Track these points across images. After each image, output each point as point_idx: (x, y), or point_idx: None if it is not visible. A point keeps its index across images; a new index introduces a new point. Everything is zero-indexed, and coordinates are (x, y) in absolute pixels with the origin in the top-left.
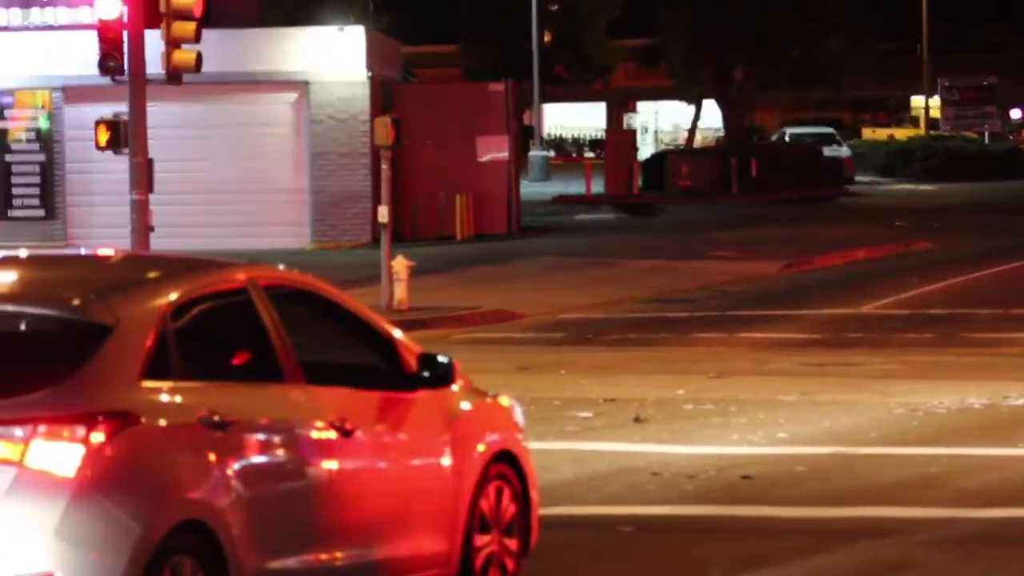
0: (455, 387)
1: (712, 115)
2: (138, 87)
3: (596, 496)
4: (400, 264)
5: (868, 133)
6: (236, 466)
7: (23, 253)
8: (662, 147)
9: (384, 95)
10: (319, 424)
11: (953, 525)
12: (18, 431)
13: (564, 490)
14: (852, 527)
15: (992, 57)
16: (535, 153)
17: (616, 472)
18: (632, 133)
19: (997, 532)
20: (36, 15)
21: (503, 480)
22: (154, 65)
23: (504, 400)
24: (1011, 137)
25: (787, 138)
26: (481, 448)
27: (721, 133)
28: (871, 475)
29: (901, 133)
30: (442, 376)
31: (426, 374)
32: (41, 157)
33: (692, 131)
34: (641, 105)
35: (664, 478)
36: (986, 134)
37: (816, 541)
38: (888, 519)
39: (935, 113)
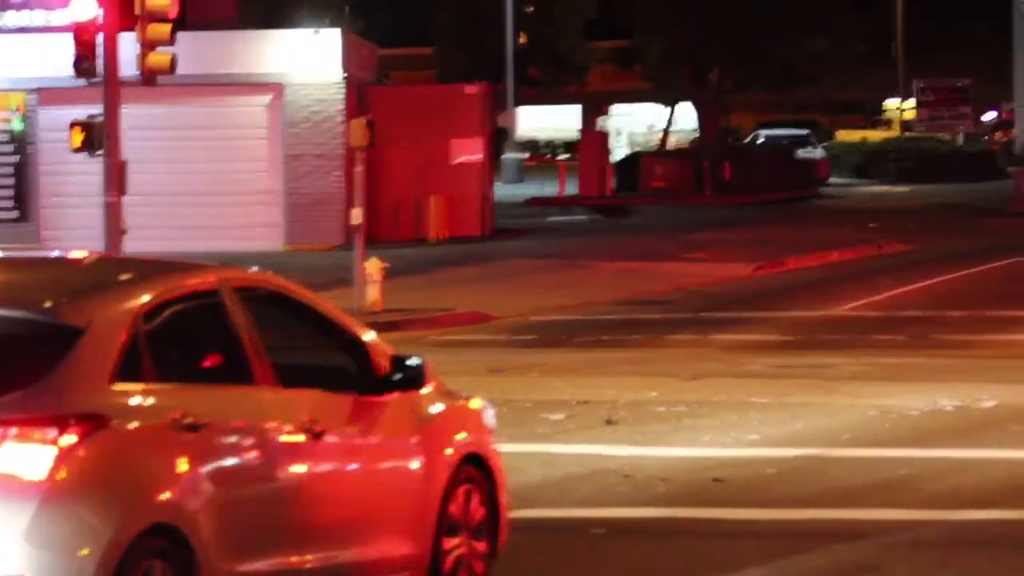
0: (427, 390)
1: (687, 117)
2: (112, 89)
3: (567, 498)
4: (374, 266)
5: (842, 135)
6: (207, 469)
7: None
8: (636, 149)
9: (359, 97)
10: (290, 427)
11: (925, 527)
12: None
13: (535, 492)
14: (823, 529)
15: (968, 58)
16: (509, 155)
17: (588, 474)
18: (606, 135)
19: (970, 534)
20: (11, 17)
21: (472, 483)
22: (129, 67)
23: (475, 403)
24: (985, 139)
25: (761, 140)
26: (451, 451)
27: (696, 135)
28: (843, 477)
29: (875, 135)
30: (413, 379)
31: (397, 376)
32: (15, 159)
33: (666, 133)
34: (616, 107)
35: (636, 480)
36: (960, 136)
37: (787, 543)
38: (860, 521)
39: (909, 115)
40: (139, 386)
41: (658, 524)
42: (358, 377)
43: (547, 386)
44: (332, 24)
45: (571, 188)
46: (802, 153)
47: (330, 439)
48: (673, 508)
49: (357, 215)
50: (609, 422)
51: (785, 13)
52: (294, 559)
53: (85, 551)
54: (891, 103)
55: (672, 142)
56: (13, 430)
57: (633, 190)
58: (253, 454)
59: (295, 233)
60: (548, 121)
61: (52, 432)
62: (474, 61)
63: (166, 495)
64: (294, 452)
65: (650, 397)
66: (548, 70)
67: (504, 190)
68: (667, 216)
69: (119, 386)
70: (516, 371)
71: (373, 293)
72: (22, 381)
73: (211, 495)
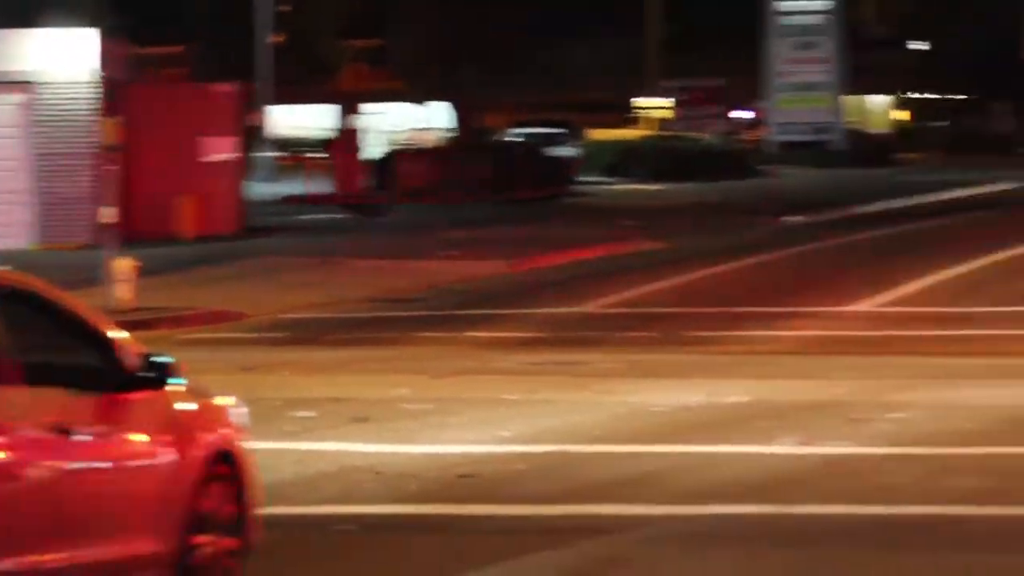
0: (176, 387)
1: (443, 116)
2: None
3: (318, 496)
4: (125, 264)
5: (596, 134)
6: None
7: None
8: (392, 148)
9: (112, 96)
10: (35, 425)
11: (673, 522)
12: None
13: (286, 490)
14: (573, 524)
15: (723, 57)
16: (263, 154)
17: (338, 472)
18: (360, 133)
19: (717, 528)
20: None
21: (222, 480)
22: None
23: (225, 401)
24: (738, 137)
25: (515, 138)
26: (200, 448)
27: (451, 133)
28: (592, 473)
29: (628, 134)
30: (162, 377)
31: (146, 375)
32: None
33: (421, 132)
34: (370, 106)
35: (386, 477)
36: (715, 134)
37: (537, 539)
38: (609, 516)
39: (663, 114)
40: None
41: (409, 520)
42: (107, 375)
43: (297, 384)
44: (85, 22)
45: (326, 187)
46: (556, 151)
47: (77, 437)
48: (424, 504)
49: (108, 213)
50: (359, 420)
51: (538, 15)
52: (40, 557)
53: None
54: (642, 102)
55: (427, 140)
56: None
57: (388, 188)
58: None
59: (47, 232)
60: (303, 120)
61: None
62: (229, 60)
63: None
64: (39, 450)
65: (401, 394)
66: (303, 69)
67: (258, 189)
68: (421, 214)
69: None
70: (266, 369)
71: (124, 292)
72: None
73: None
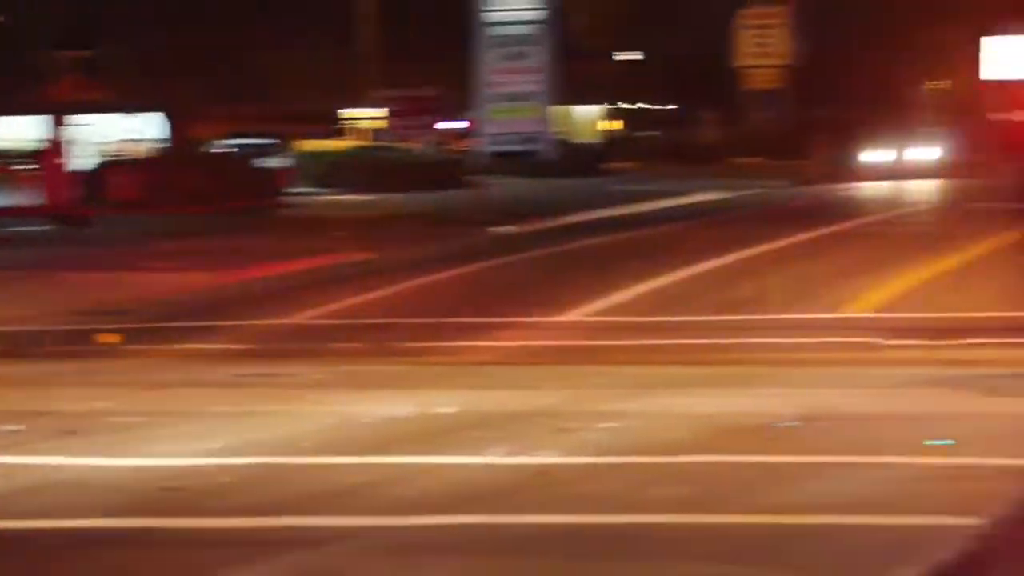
0: None
1: (155, 127)
2: None
3: (20, 509)
4: None
5: (305, 144)
6: None
7: None
8: (102, 159)
9: None
10: None
11: (386, 533)
12: None
13: None
14: (281, 537)
15: (438, 67)
16: None
17: (44, 485)
18: (70, 144)
19: (431, 538)
20: None
21: None
22: None
23: None
24: (450, 148)
25: (225, 150)
26: None
27: (163, 145)
28: (302, 485)
29: (339, 145)
30: None
31: None
32: None
33: (132, 143)
34: (80, 117)
35: (92, 490)
36: (427, 144)
37: (241, 552)
38: (320, 528)
39: (378, 124)
40: None
41: (112, 533)
42: None
43: (5, 397)
44: None
45: (35, 199)
46: (269, 163)
47: None
48: (128, 518)
49: None
50: (67, 432)
51: (247, 26)
52: None
53: None
54: (352, 112)
55: (139, 152)
56: None
57: (99, 200)
58: None
59: None
60: (11, 131)
61: None
62: None
63: None
64: None
65: (107, 407)
66: (12, 78)
67: None
68: (132, 226)
69: None
70: None
71: None
72: None
73: None
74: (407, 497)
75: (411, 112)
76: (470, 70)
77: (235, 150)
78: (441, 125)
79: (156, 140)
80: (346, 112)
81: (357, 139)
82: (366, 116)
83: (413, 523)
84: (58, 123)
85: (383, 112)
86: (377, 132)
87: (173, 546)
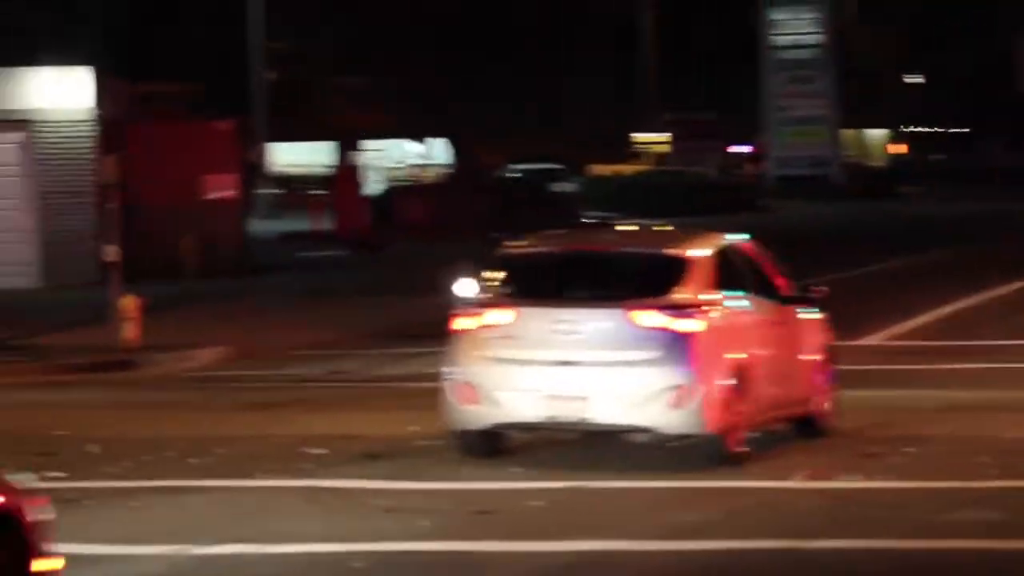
0: None
1: (441, 152)
2: None
3: (331, 533)
4: (130, 302)
5: (596, 169)
6: None
7: None
8: (391, 184)
9: (111, 134)
10: None
11: (687, 556)
12: None
13: (298, 528)
14: (584, 560)
15: (719, 92)
16: (263, 191)
17: (351, 508)
18: (360, 170)
19: (730, 564)
20: None
21: None
22: None
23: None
24: (737, 171)
25: (514, 175)
26: None
27: (449, 170)
28: (608, 508)
29: (627, 168)
30: None
31: None
32: None
33: (421, 168)
34: (371, 143)
35: (399, 514)
36: (713, 168)
37: (550, 574)
38: (617, 552)
39: (661, 148)
40: None
41: (422, 557)
42: None
43: (309, 421)
44: (84, 60)
45: (325, 223)
46: (555, 188)
47: None
48: (439, 541)
49: (111, 252)
50: (369, 457)
51: (536, 52)
52: None
53: None
54: (641, 136)
55: (426, 177)
56: None
57: (390, 225)
58: None
59: (49, 271)
60: (302, 156)
61: None
62: (229, 97)
63: None
64: None
65: (410, 432)
66: (301, 106)
67: (258, 226)
68: (421, 250)
69: None
70: (277, 406)
71: (130, 330)
72: None
73: None
74: (692, 522)
75: (694, 135)
76: (753, 94)
77: (519, 175)
78: (727, 149)
79: (442, 165)
80: (637, 136)
81: (644, 163)
82: (654, 140)
83: (704, 548)
84: (347, 149)
85: (667, 136)
86: (663, 156)
87: (481, 569)
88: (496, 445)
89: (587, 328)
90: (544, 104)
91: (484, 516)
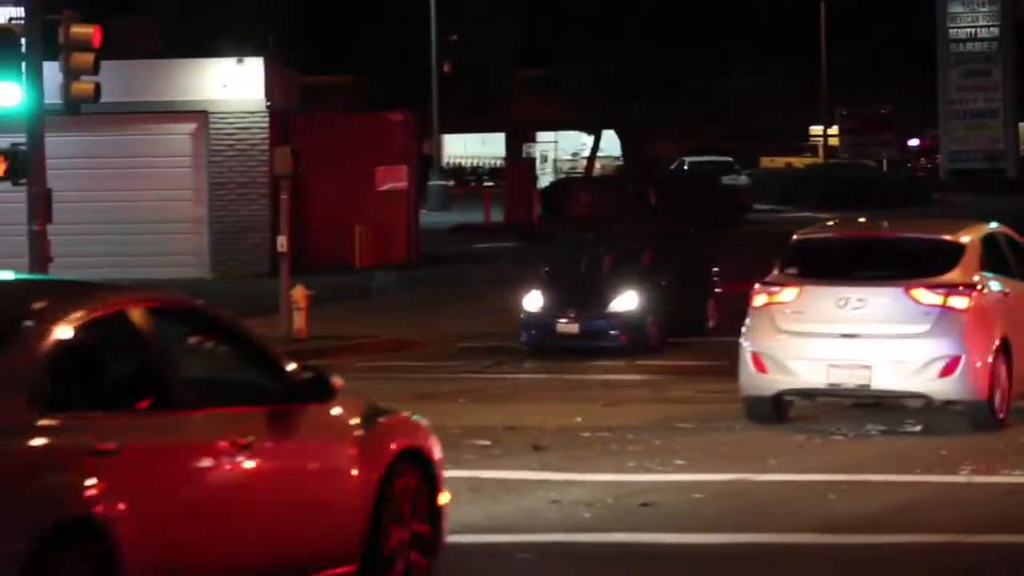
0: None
1: (612, 144)
2: (37, 117)
3: (495, 524)
4: (299, 293)
5: (766, 162)
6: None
7: None
8: (561, 176)
9: (283, 125)
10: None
11: (847, 550)
12: None
13: (463, 518)
14: (747, 552)
15: (892, 85)
16: (435, 182)
17: (515, 499)
18: (531, 162)
19: (897, 557)
20: None
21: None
22: (53, 95)
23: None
24: (909, 165)
25: (686, 167)
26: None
27: (620, 162)
28: (770, 501)
29: (799, 161)
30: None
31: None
32: None
33: (591, 160)
34: (541, 134)
35: (563, 505)
36: (884, 162)
37: (710, 567)
38: (789, 545)
39: (834, 142)
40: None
41: (585, 549)
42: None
43: (474, 412)
44: (255, 53)
45: (497, 215)
46: (727, 180)
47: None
48: (600, 533)
49: (282, 243)
50: (536, 448)
51: (707, 44)
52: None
53: None
54: (816, 129)
55: (597, 169)
56: None
57: (559, 217)
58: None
59: (221, 261)
60: (473, 148)
61: None
62: (399, 89)
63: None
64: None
65: (575, 423)
66: (472, 98)
67: (430, 217)
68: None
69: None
70: (443, 397)
71: (299, 320)
72: None
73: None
74: (867, 515)
75: (868, 128)
76: (926, 87)
77: (687, 167)
78: (907, 142)
79: (615, 157)
80: (809, 129)
81: (814, 156)
82: (823, 134)
83: (871, 541)
84: (518, 141)
85: (838, 130)
86: (834, 149)
87: (641, 560)
88: (780, 412)
89: (870, 304)
90: (715, 96)
91: (645, 508)
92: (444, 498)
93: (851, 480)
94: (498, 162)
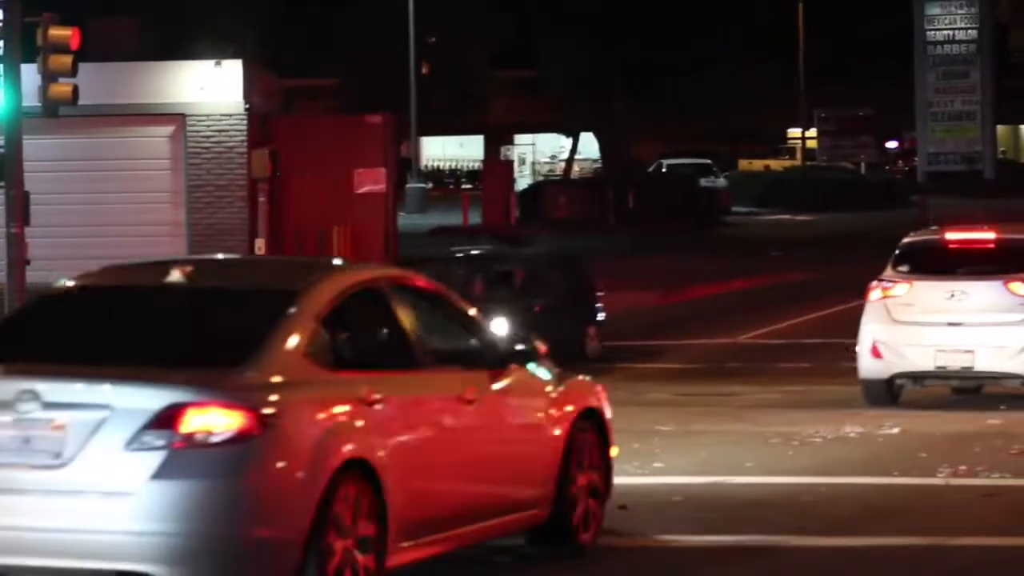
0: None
1: (590, 146)
2: (14, 120)
3: None
4: None
5: (744, 164)
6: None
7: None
8: (539, 178)
9: (261, 128)
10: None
11: (826, 552)
12: None
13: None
14: (723, 555)
15: (869, 88)
16: (413, 185)
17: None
18: (509, 164)
19: (873, 559)
20: None
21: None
22: (31, 98)
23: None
24: (887, 168)
25: (664, 169)
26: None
27: (598, 164)
28: (747, 504)
29: (777, 164)
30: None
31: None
32: None
33: (569, 162)
34: (519, 137)
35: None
36: (862, 164)
37: (686, 569)
38: (755, 547)
39: (812, 144)
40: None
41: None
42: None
43: None
44: (234, 55)
45: (475, 218)
46: (705, 182)
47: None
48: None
49: (260, 245)
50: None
51: (686, 45)
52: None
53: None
54: (794, 132)
55: (575, 171)
56: None
57: (537, 219)
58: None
59: None
60: (451, 151)
61: None
62: (377, 92)
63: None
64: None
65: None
66: (451, 100)
67: (408, 220)
68: (571, 246)
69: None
70: None
71: None
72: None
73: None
74: (853, 516)
75: (846, 132)
76: (903, 90)
77: (664, 170)
78: (880, 145)
79: (593, 159)
80: (786, 132)
81: (792, 159)
82: (801, 136)
83: (850, 544)
84: (497, 143)
85: (816, 132)
86: (812, 152)
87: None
88: (894, 394)
89: (972, 296)
90: (695, 99)
91: (622, 511)
92: (614, 451)
93: (828, 483)
94: (476, 164)
